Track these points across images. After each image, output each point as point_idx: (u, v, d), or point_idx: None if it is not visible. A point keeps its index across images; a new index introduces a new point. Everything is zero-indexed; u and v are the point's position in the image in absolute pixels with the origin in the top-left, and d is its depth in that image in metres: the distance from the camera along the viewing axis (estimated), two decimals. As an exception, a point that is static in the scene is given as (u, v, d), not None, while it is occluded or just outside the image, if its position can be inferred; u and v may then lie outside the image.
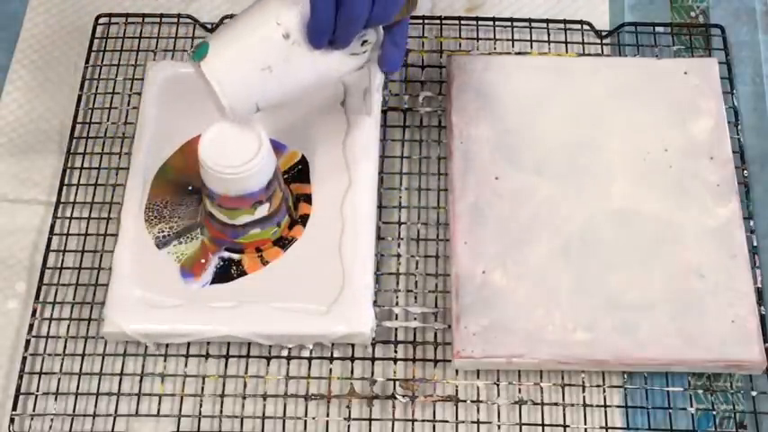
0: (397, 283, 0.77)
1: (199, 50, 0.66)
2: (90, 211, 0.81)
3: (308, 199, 0.78)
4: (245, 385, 0.74)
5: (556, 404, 0.73)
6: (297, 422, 0.73)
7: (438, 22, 0.89)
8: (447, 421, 0.72)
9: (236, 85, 0.66)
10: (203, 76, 0.66)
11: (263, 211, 0.72)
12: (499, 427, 0.72)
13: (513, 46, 0.88)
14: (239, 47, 0.66)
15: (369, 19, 0.65)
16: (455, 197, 0.78)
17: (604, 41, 0.88)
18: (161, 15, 0.90)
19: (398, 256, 0.78)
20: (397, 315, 0.76)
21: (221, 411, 0.73)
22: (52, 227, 0.80)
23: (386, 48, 0.70)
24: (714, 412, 0.73)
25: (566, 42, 0.88)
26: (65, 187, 0.82)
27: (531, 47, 0.88)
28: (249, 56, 0.66)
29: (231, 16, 0.89)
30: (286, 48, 0.66)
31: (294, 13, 0.65)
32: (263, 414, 0.73)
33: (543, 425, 0.72)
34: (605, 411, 0.73)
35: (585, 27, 0.89)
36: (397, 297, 0.77)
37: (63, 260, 0.79)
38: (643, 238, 0.76)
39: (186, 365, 0.75)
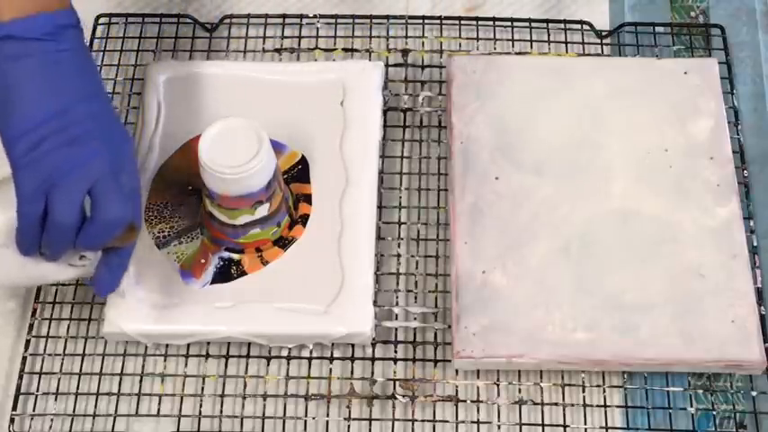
0: (397, 283, 0.77)
1: None
2: (90, 211, 0.81)
3: (308, 199, 0.78)
4: (245, 385, 0.74)
5: (556, 404, 0.73)
6: (297, 422, 0.73)
7: (438, 22, 0.89)
8: (447, 421, 0.73)
9: None
10: None
11: (263, 211, 0.72)
12: (499, 427, 0.72)
13: (513, 46, 0.88)
14: None
15: (76, 245, 0.63)
16: (455, 197, 0.78)
17: (604, 41, 0.88)
18: (161, 15, 0.90)
19: (398, 256, 0.79)
20: (397, 315, 0.76)
21: (221, 411, 0.73)
22: (52, 227, 0.80)
23: (98, 269, 0.67)
24: (714, 412, 0.73)
25: (566, 42, 0.88)
26: (65, 187, 0.82)
27: (531, 47, 0.88)
28: None
29: (231, 16, 0.89)
30: None
31: (5, 218, 0.63)
32: (263, 414, 0.73)
33: (543, 425, 0.72)
34: (605, 411, 0.73)
35: (585, 27, 0.89)
36: (397, 297, 0.77)
37: (63, 260, 0.79)
38: (643, 238, 0.75)
39: (186, 365, 0.75)
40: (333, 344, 0.75)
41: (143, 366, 0.75)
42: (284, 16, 0.89)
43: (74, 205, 0.61)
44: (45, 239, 0.62)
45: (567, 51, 0.87)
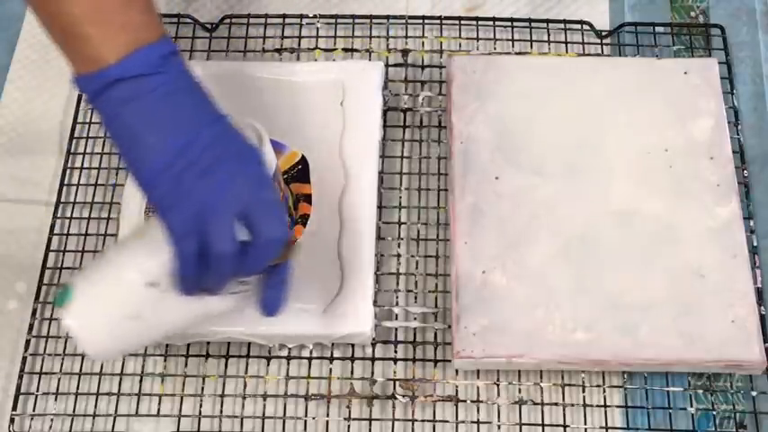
0: (397, 283, 0.77)
1: (62, 295, 0.61)
2: (90, 211, 0.81)
3: (308, 199, 0.78)
4: (245, 385, 0.74)
5: (556, 404, 0.73)
6: (297, 422, 0.73)
7: (438, 22, 0.89)
8: (447, 421, 0.73)
9: (100, 335, 0.61)
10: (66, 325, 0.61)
11: (263, 211, 0.72)
12: (499, 427, 0.72)
13: (513, 46, 0.88)
14: (104, 296, 0.61)
15: (238, 273, 0.60)
16: (455, 197, 0.78)
17: (604, 41, 0.88)
18: (161, 15, 0.89)
19: (398, 256, 0.79)
20: (397, 315, 0.76)
21: (221, 411, 0.73)
22: (52, 227, 0.80)
23: (263, 292, 0.64)
24: (714, 412, 0.73)
25: (566, 42, 0.88)
26: (65, 187, 0.82)
27: (531, 47, 0.88)
28: (115, 306, 0.60)
29: (231, 16, 0.89)
30: (154, 296, 0.60)
31: (159, 260, 0.60)
32: (263, 414, 0.73)
33: (543, 425, 0.72)
34: (605, 411, 0.73)
35: (585, 27, 0.89)
36: (397, 297, 0.77)
37: (63, 260, 0.79)
38: (643, 239, 0.75)
39: (186, 365, 0.75)
40: (333, 344, 0.75)
41: (143, 366, 0.75)
42: (284, 16, 0.89)
43: (230, 233, 0.58)
44: (206, 274, 0.59)
45: (567, 51, 0.87)
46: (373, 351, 0.75)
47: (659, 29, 0.89)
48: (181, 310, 0.62)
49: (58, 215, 0.81)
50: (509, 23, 0.89)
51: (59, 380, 0.75)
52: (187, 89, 0.60)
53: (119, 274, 0.61)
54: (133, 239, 0.62)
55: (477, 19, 0.89)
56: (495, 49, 0.88)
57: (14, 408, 0.73)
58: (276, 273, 0.64)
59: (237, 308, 0.65)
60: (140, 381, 0.74)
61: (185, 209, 0.57)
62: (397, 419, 0.73)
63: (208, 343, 0.75)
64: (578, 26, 0.89)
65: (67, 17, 0.59)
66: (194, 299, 0.62)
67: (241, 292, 0.64)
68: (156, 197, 0.58)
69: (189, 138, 0.58)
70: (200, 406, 0.73)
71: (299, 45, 0.88)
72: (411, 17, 0.89)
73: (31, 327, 0.76)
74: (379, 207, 0.79)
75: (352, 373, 0.74)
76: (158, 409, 0.73)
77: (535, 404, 0.73)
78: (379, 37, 0.89)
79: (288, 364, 0.75)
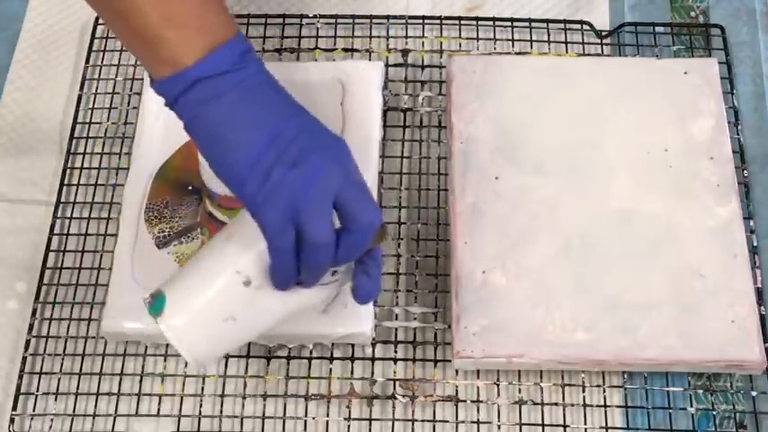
0: (397, 283, 0.77)
1: (155, 303, 0.61)
2: (90, 211, 0.81)
3: (308, 199, 0.78)
4: (245, 385, 0.74)
5: (556, 404, 0.73)
6: (297, 422, 0.73)
7: (438, 22, 0.89)
8: (447, 421, 0.73)
9: (198, 340, 0.61)
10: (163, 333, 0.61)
11: (263, 211, 0.72)
12: (499, 427, 0.72)
13: (513, 46, 0.88)
14: (198, 301, 0.60)
15: (334, 262, 0.59)
16: (455, 197, 0.78)
17: (604, 41, 0.88)
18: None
19: (398, 256, 0.78)
20: (397, 315, 0.76)
21: (221, 411, 0.73)
22: (52, 227, 0.80)
23: (357, 279, 0.62)
24: (714, 412, 0.73)
25: (566, 42, 0.88)
26: (65, 187, 0.82)
27: (531, 47, 0.88)
28: (210, 309, 0.60)
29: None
30: (249, 294, 0.60)
31: (252, 257, 0.60)
32: (263, 414, 0.73)
33: (543, 425, 0.72)
34: (605, 411, 0.73)
35: (585, 27, 0.89)
36: (397, 297, 0.77)
37: (63, 260, 0.79)
38: (643, 238, 0.75)
39: (186, 365, 0.75)
40: (333, 344, 0.75)
41: (143, 366, 0.75)
42: (284, 16, 0.89)
43: (326, 223, 0.58)
44: (304, 266, 0.59)
45: (567, 51, 0.87)
46: (373, 351, 0.75)
47: (659, 29, 0.89)
48: (275, 306, 0.62)
49: (58, 215, 0.81)
50: (509, 23, 0.89)
51: (59, 380, 0.74)
52: (267, 84, 0.60)
53: (211, 277, 0.60)
54: (221, 240, 0.62)
55: (477, 19, 0.89)
56: (495, 49, 0.88)
57: (14, 408, 0.73)
58: (370, 258, 0.62)
59: (330, 298, 0.64)
60: (140, 381, 0.74)
61: (279, 203, 0.57)
62: (397, 419, 0.73)
63: (208, 343, 0.75)
64: (578, 26, 0.89)
65: (144, 22, 0.58)
66: (288, 293, 0.61)
67: (333, 283, 0.63)
68: (246, 194, 0.58)
69: (275, 131, 0.58)
70: (201, 406, 0.73)
71: (299, 45, 0.88)
72: (411, 17, 0.89)
73: (31, 327, 0.76)
74: (379, 207, 0.79)
75: (352, 373, 0.74)
76: (158, 409, 0.73)
77: (535, 404, 0.73)
78: (379, 37, 0.89)
79: (288, 364, 0.75)
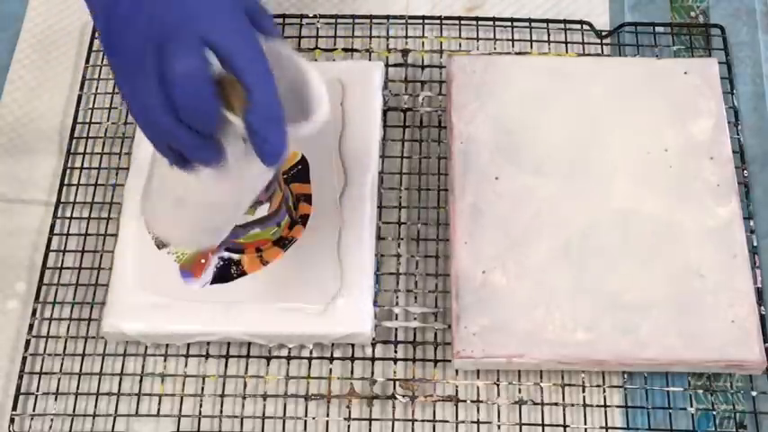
0: (397, 283, 0.77)
1: None
2: (90, 211, 0.81)
3: (308, 199, 0.78)
4: (245, 385, 0.74)
5: (556, 404, 0.73)
6: (297, 422, 0.73)
7: (438, 22, 0.89)
8: (447, 421, 0.72)
9: (157, 219, 0.68)
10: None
11: (263, 211, 0.72)
12: (499, 427, 0.72)
13: (513, 46, 0.88)
14: (153, 185, 0.68)
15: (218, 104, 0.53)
16: (455, 197, 0.78)
17: (604, 41, 0.88)
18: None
19: (398, 256, 0.78)
20: (397, 315, 0.76)
21: (221, 411, 0.73)
22: (52, 227, 0.80)
23: (253, 138, 0.55)
24: (714, 412, 0.73)
25: (566, 42, 0.88)
26: (65, 187, 0.82)
27: (531, 47, 0.88)
28: (159, 193, 0.66)
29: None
30: (182, 174, 0.59)
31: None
32: (263, 414, 0.73)
33: (543, 425, 0.72)
34: (605, 411, 0.73)
35: (585, 27, 0.89)
36: (397, 297, 0.77)
37: (63, 260, 0.79)
38: (643, 238, 0.75)
39: (186, 365, 0.75)
40: (333, 344, 0.75)
41: (143, 366, 0.75)
42: (284, 16, 0.89)
43: (194, 47, 0.51)
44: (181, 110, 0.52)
45: (567, 51, 0.87)
46: (373, 351, 0.75)
47: (659, 29, 0.89)
48: (210, 187, 0.60)
49: (58, 215, 0.81)
50: (509, 23, 0.89)
51: (59, 380, 0.74)
52: None
53: (161, 169, 0.64)
54: None
55: (477, 19, 0.89)
56: (495, 49, 0.88)
57: (14, 408, 0.73)
58: (248, 113, 0.54)
59: (260, 173, 0.61)
60: (140, 381, 0.74)
61: (140, 27, 0.51)
62: (397, 419, 0.73)
63: (208, 343, 0.75)
64: (578, 26, 0.89)
65: None
66: (218, 171, 0.57)
67: (249, 156, 0.57)
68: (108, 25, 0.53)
69: None
70: (201, 406, 0.73)
71: (299, 45, 0.88)
72: (411, 17, 0.89)
73: (31, 327, 0.76)
74: (379, 207, 0.79)
75: (352, 373, 0.74)
76: (158, 409, 0.73)
77: (535, 404, 0.73)
78: (379, 37, 0.89)
79: (288, 364, 0.75)
